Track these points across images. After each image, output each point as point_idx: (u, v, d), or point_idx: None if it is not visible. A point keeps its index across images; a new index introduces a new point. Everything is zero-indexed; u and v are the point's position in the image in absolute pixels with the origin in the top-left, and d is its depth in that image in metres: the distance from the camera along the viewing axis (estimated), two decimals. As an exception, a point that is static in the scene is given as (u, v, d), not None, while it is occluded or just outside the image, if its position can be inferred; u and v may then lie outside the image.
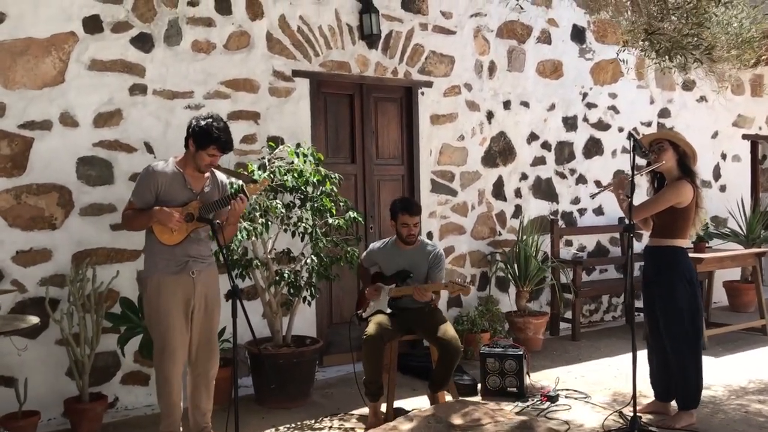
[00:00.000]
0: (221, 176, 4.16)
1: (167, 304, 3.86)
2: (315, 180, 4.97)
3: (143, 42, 5.13)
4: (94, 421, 4.52)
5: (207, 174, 4.02)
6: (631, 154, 4.14)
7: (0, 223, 4.64)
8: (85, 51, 4.91)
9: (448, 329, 4.48)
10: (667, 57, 4.16)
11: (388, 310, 4.64)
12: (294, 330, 5.53)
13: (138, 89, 5.11)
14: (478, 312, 6.45)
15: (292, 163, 4.99)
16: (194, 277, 3.92)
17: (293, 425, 4.64)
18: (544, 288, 7.22)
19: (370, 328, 4.48)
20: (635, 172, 4.14)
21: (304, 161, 4.96)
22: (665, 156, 4.32)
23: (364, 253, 4.99)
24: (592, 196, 4.64)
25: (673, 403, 4.55)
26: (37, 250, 4.77)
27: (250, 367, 5.26)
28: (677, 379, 4.41)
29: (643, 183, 5.73)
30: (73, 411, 4.49)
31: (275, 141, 5.49)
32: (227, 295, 3.59)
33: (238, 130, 5.52)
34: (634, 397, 4.20)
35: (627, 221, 4.21)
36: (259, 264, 4.96)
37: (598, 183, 7.61)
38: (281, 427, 4.60)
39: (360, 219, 5.10)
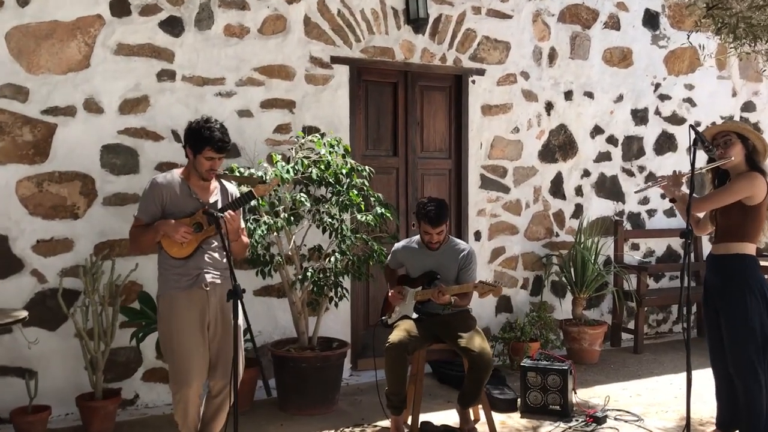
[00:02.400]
0: (231, 187, 3.85)
1: (180, 323, 3.57)
2: (344, 172, 4.64)
3: (173, 26, 4.92)
4: (106, 420, 4.34)
5: (215, 184, 3.74)
6: (692, 150, 3.62)
7: (21, 211, 4.53)
8: (111, 35, 4.74)
9: (476, 340, 4.07)
10: (732, 35, 3.59)
11: (414, 315, 4.26)
12: (327, 332, 5.27)
13: (166, 75, 4.92)
14: (528, 319, 5.98)
15: (320, 154, 4.68)
16: (208, 290, 3.61)
17: (310, 435, 4.34)
18: (606, 295, 6.65)
19: (393, 336, 4.11)
20: (695, 169, 3.61)
21: (331, 152, 4.63)
22: (733, 151, 3.75)
23: (390, 253, 4.63)
24: (637, 191, 4.12)
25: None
26: (58, 240, 4.64)
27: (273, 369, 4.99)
28: (742, 407, 3.84)
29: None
30: (84, 408, 4.33)
31: (311, 131, 5.19)
32: (228, 296, 3.29)
33: (271, 119, 5.28)
34: (687, 425, 3.67)
35: (686, 225, 3.68)
36: (281, 261, 4.68)
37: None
38: (297, 437, 4.31)
39: (389, 215, 4.73)
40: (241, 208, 3.80)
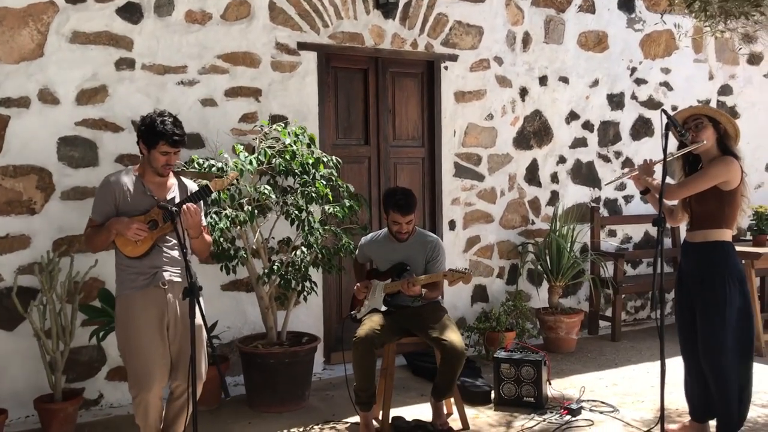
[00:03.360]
0: (191, 185, 3.69)
1: (137, 324, 3.42)
2: (310, 162, 4.50)
3: (131, 12, 4.74)
4: (66, 422, 4.18)
5: (172, 181, 3.59)
6: (664, 134, 3.51)
7: (-27, 206, 4.36)
8: (66, 22, 4.55)
9: (448, 330, 3.96)
10: (704, 14, 3.48)
11: (384, 308, 4.14)
12: (299, 326, 5.15)
13: (125, 63, 4.74)
14: (504, 308, 5.88)
15: (285, 144, 4.52)
16: (166, 288, 3.47)
17: (279, 433, 4.22)
18: (583, 283, 6.57)
19: (361, 330, 3.99)
20: (667, 155, 3.50)
21: (296, 141, 4.49)
22: (705, 134, 3.65)
23: (357, 248, 4.50)
24: (607, 184, 4.02)
25: (713, 423, 3.91)
26: (14, 237, 4.46)
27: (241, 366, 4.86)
28: (716, 397, 3.76)
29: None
30: (43, 410, 4.17)
31: (278, 120, 5.04)
32: (183, 294, 3.15)
33: (236, 108, 5.11)
34: (662, 417, 3.58)
35: (658, 213, 3.57)
36: (246, 255, 4.53)
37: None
38: (265, 435, 4.19)
39: (357, 206, 4.60)
40: (203, 205, 3.66)
